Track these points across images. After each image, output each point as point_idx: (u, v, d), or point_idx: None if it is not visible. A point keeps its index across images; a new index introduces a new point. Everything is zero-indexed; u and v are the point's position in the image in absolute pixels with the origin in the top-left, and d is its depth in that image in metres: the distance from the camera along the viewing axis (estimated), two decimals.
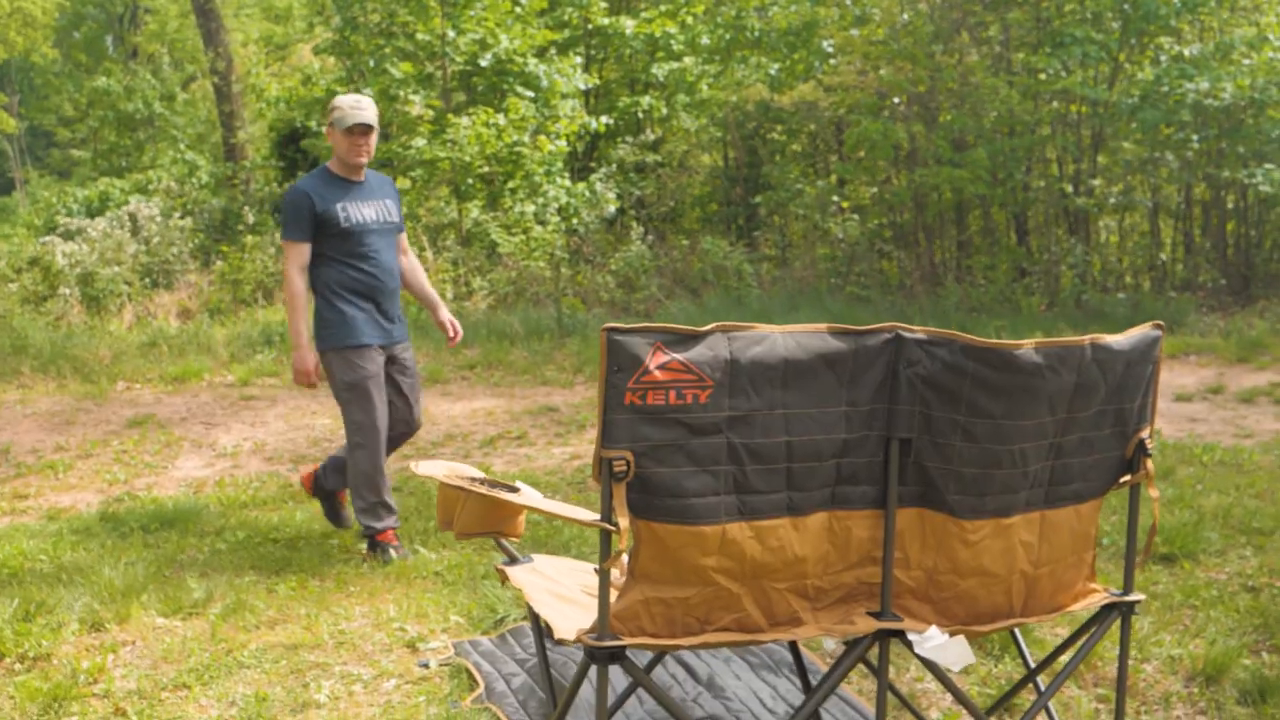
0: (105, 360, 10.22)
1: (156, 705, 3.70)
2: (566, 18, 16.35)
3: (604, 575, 2.40)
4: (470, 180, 14.20)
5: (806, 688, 3.00)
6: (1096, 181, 14.05)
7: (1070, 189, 13.94)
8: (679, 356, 2.38)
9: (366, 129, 5.01)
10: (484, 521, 2.85)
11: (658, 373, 2.36)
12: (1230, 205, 14.86)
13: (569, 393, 9.47)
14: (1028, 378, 2.58)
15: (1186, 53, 13.22)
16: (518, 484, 3.01)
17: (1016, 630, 3.18)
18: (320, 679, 3.89)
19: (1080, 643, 2.94)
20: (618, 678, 3.73)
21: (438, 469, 2.87)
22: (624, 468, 2.36)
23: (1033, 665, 3.10)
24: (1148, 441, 2.81)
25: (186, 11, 30.47)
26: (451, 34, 14.16)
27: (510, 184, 14.15)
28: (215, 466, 7.23)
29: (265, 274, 12.71)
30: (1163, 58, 13.68)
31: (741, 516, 2.49)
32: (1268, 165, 11.92)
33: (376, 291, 5.12)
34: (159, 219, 13.15)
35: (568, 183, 14.61)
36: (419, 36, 14.36)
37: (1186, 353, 11.28)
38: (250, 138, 23.54)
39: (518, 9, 14.98)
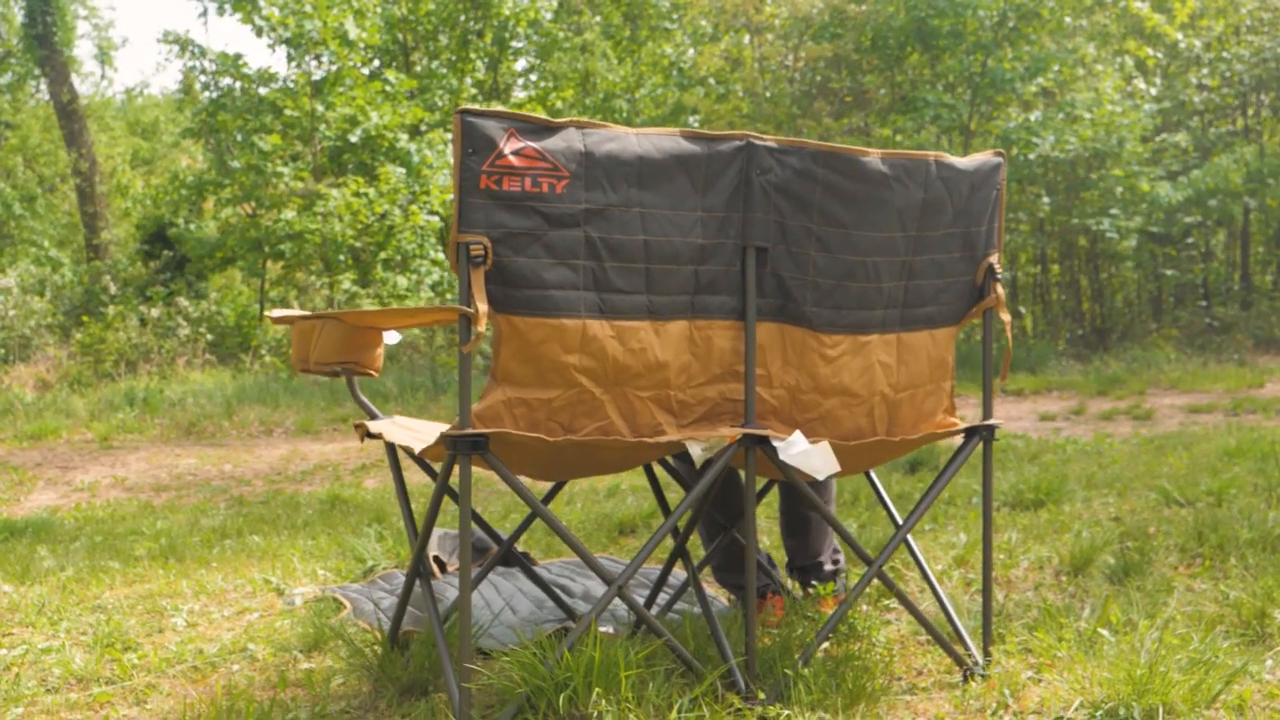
0: None
1: (1, 639, 3.48)
2: (437, 100, 16.56)
3: (464, 360, 2.36)
4: (341, 256, 14.14)
5: (666, 513, 2.98)
6: None
7: None
8: (534, 144, 2.39)
9: None
10: (342, 349, 2.78)
11: (513, 158, 2.37)
12: (1083, 258, 15.53)
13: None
14: (876, 187, 2.65)
15: (1032, 117, 13.94)
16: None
17: (879, 485, 3.21)
18: (179, 608, 3.71)
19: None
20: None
21: (293, 312, 2.81)
22: (481, 252, 2.34)
23: (899, 520, 3.12)
24: (996, 266, 2.90)
25: (49, 126, 29.99)
26: (321, 109, 14.20)
27: (383, 254, 14.11)
28: (71, 498, 6.92)
29: (128, 346, 12.37)
30: (1011, 124, 14.40)
31: (602, 314, 2.48)
32: (1113, 211, 12.53)
33: None
34: (15, 292, 12.75)
35: (442, 256, 14.63)
36: (288, 113, 14.38)
37: (1050, 389, 11.66)
38: (115, 239, 23.10)
39: (387, 88, 15.13)
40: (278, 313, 2.82)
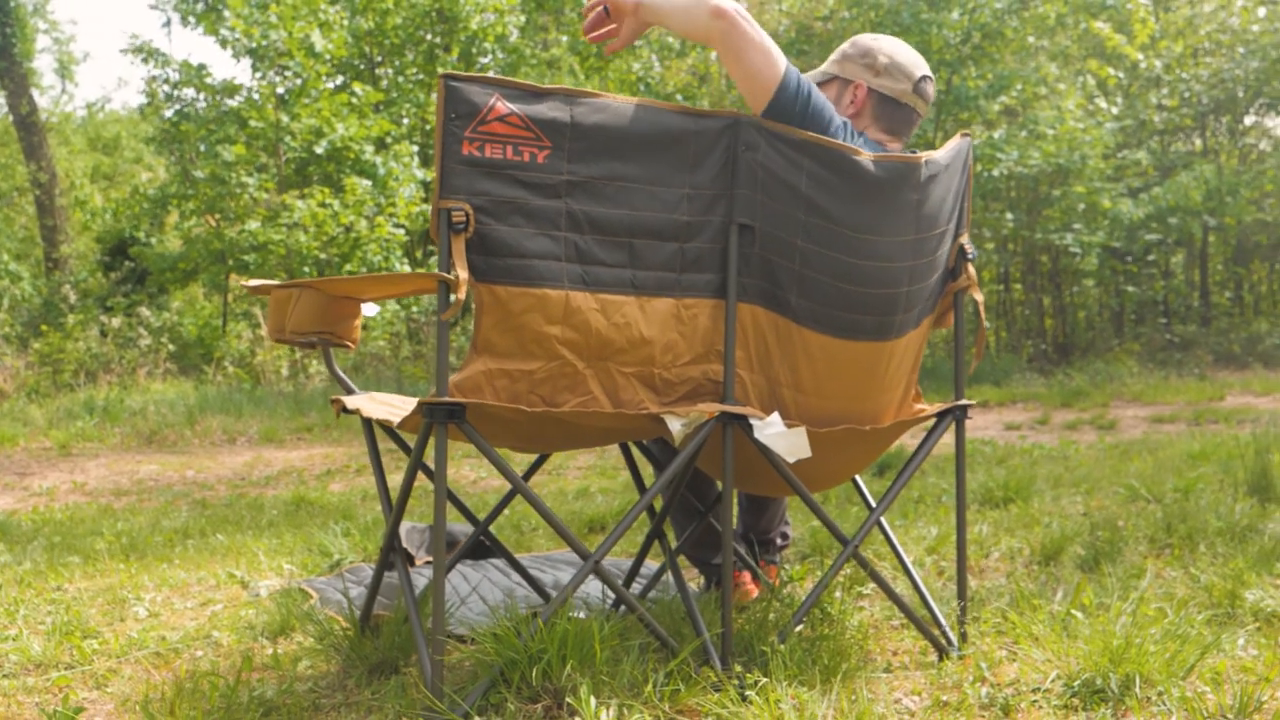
0: None
1: None
2: (404, 114, 16.51)
3: (442, 328, 2.33)
4: (305, 268, 14.03)
5: (641, 490, 2.96)
6: None
7: None
8: (518, 110, 2.36)
9: None
10: (318, 318, 2.74)
11: (496, 124, 2.35)
12: (1045, 276, 15.66)
13: (410, 438, 9.29)
14: (870, 188, 2.60)
15: (995, 135, 14.07)
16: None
17: (857, 476, 3.20)
18: (141, 598, 3.65)
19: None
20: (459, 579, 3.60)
21: (269, 281, 2.77)
22: (462, 219, 2.32)
23: (874, 504, 3.11)
24: (967, 246, 2.89)
25: (7, 139, 29.65)
26: (286, 120, 14.12)
27: (348, 266, 14.02)
28: (28, 502, 6.80)
29: (88, 355, 12.20)
30: (976, 141, 14.53)
31: (586, 286, 2.45)
32: (1076, 227, 12.66)
33: None
34: None
35: (407, 268, 14.56)
36: (252, 124, 14.29)
37: (1014, 401, 11.73)
38: (74, 252, 22.84)
39: (354, 100, 15.07)
40: (254, 282, 2.79)
